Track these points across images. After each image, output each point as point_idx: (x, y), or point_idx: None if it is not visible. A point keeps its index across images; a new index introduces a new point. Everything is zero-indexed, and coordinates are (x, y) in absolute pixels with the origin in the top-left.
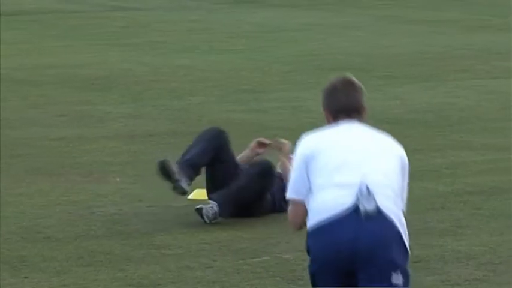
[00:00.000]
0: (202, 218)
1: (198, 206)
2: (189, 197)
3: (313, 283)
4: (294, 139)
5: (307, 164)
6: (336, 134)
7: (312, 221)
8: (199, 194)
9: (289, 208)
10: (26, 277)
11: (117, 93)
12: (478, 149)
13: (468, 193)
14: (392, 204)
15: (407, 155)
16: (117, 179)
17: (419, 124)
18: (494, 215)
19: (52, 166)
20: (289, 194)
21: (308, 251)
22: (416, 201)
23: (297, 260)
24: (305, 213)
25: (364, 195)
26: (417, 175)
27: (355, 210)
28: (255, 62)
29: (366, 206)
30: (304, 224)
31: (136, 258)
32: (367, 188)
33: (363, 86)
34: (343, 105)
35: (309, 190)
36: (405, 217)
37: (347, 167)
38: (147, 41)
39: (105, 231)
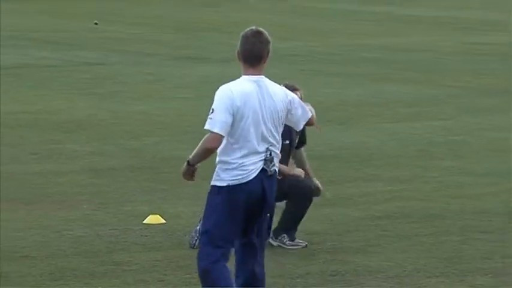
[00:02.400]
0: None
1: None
2: (144, 221)
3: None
4: None
5: (234, 113)
6: (254, 100)
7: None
8: (154, 219)
9: (212, 136)
10: None
11: (83, 135)
12: (385, 181)
13: (377, 218)
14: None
15: (326, 187)
16: (84, 207)
17: (336, 160)
18: (399, 235)
19: (28, 196)
20: (218, 130)
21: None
22: (335, 224)
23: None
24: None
25: (268, 160)
26: (334, 203)
27: (261, 170)
28: (199, 107)
29: (269, 168)
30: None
31: (100, 274)
32: (270, 154)
33: (269, 38)
34: (249, 54)
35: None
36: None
37: (261, 137)
38: (108, 90)
39: (73, 250)
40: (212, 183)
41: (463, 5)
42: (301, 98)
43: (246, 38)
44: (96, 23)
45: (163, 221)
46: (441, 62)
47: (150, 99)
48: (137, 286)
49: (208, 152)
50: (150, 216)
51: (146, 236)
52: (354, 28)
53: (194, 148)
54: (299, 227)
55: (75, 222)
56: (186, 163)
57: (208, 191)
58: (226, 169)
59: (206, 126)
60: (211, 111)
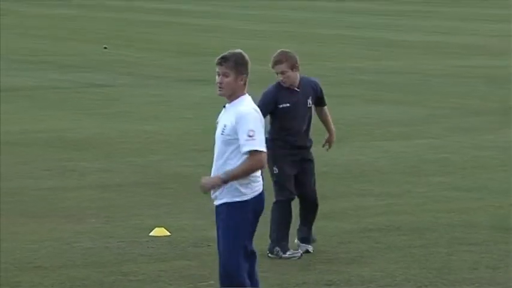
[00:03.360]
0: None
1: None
2: (150, 234)
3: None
4: None
5: None
6: None
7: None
8: (159, 231)
9: (263, 156)
10: None
11: (92, 152)
12: (376, 196)
13: (369, 230)
14: None
15: (320, 201)
16: (92, 220)
17: (330, 176)
18: (390, 247)
19: (41, 210)
20: (265, 148)
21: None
22: (329, 236)
23: None
24: None
25: None
26: (328, 216)
27: None
28: (203, 126)
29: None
30: None
31: (108, 284)
32: None
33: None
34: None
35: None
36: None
37: None
38: (116, 111)
39: (83, 261)
40: (231, 200)
41: (449, 30)
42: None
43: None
44: (105, 47)
45: (168, 234)
46: (429, 84)
47: (156, 119)
48: None
49: (258, 171)
50: (156, 229)
51: (152, 247)
52: (347, 52)
53: (197, 165)
54: (294, 238)
55: (85, 234)
56: (221, 180)
57: (224, 209)
58: (248, 184)
59: (253, 147)
60: (250, 133)
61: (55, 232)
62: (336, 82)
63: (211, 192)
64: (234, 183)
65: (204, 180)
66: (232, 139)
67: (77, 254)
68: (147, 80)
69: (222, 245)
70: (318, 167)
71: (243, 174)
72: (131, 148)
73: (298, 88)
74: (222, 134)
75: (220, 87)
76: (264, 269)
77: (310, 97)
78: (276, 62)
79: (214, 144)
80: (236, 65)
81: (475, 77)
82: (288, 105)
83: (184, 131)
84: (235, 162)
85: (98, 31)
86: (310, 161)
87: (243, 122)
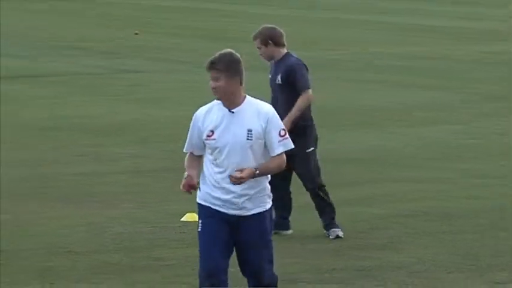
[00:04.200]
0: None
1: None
2: (182, 219)
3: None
4: None
5: None
6: None
7: None
8: (191, 216)
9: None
10: (52, 283)
11: (125, 138)
12: (405, 182)
13: (399, 216)
14: None
15: (349, 188)
16: (125, 206)
17: (359, 162)
18: (420, 233)
19: (74, 195)
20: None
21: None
22: (359, 222)
23: None
24: None
25: None
26: (359, 202)
27: None
28: None
29: None
30: None
31: (140, 268)
32: None
33: None
34: None
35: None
36: None
37: None
38: (148, 96)
39: (115, 246)
40: (264, 208)
41: (475, 16)
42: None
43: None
44: (136, 33)
45: None
46: (454, 70)
47: (186, 104)
48: (175, 280)
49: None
50: (188, 214)
51: (184, 232)
52: (372, 37)
53: None
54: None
55: (117, 220)
56: (256, 174)
57: (257, 219)
58: (269, 187)
59: (289, 146)
60: (282, 132)
61: (88, 217)
62: (361, 68)
63: (237, 199)
64: (267, 190)
65: (240, 174)
66: (262, 142)
67: (109, 239)
68: (177, 65)
69: (257, 255)
70: (345, 154)
71: (273, 170)
72: (163, 134)
73: (276, 63)
74: (248, 139)
75: (214, 92)
76: (294, 255)
77: (280, 74)
78: (252, 39)
79: (222, 152)
80: (226, 67)
81: (500, 62)
82: (269, 76)
83: None
84: None
85: (128, 17)
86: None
87: (274, 121)
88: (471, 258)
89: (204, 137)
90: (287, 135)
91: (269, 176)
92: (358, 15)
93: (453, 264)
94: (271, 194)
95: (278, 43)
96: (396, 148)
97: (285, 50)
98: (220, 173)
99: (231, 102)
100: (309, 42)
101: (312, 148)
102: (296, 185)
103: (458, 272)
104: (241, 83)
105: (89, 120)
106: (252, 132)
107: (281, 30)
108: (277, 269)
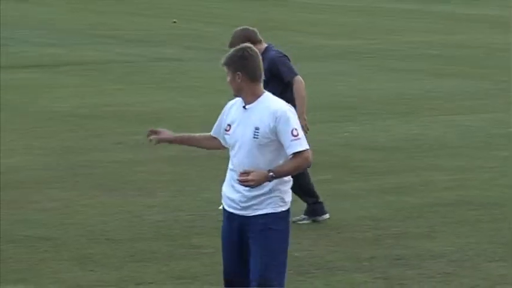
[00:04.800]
0: None
1: None
2: (220, 207)
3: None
4: None
5: None
6: None
7: None
8: None
9: (310, 153)
10: (91, 270)
11: (162, 126)
12: (445, 170)
13: (439, 205)
14: None
15: (389, 176)
16: (163, 193)
17: (399, 150)
18: (460, 222)
19: (111, 183)
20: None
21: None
22: (398, 211)
23: (305, 258)
24: None
25: None
26: (398, 191)
27: None
28: None
29: None
30: None
31: (178, 256)
32: None
33: None
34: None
35: None
36: None
37: None
38: (184, 85)
39: (153, 234)
40: (275, 210)
41: None
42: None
43: (256, 55)
44: (174, 21)
45: None
46: (495, 58)
47: (223, 92)
48: (213, 267)
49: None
50: None
51: (222, 220)
52: (414, 26)
53: None
54: (364, 213)
55: (155, 207)
56: (268, 177)
57: (266, 220)
58: (288, 191)
59: (301, 147)
60: (294, 132)
61: (126, 205)
62: (403, 56)
63: (247, 198)
64: (277, 192)
65: (252, 176)
66: (269, 141)
67: (147, 226)
68: (214, 54)
69: (260, 262)
70: (386, 142)
71: (289, 172)
72: (200, 121)
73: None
74: (255, 137)
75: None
76: (332, 243)
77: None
78: (229, 46)
79: (233, 148)
80: (231, 63)
81: None
82: None
83: None
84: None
85: (166, 6)
86: None
87: (284, 120)
88: None
89: (223, 130)
90: (299, 136)
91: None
92: (398, 4)
93: (495, 254)
94: (288, 198)
95: (255, 41)
96: (437, 137)
97: (264, 45)
98: (232, 170)
99: (247, 98)
100: (351, 31)
101: None
102: (328, 173)
103: (502, 261)
104: (251, 80)
105: (125, 108)
106: (259, 130)
107: (253, 28)
108: (315, 257)
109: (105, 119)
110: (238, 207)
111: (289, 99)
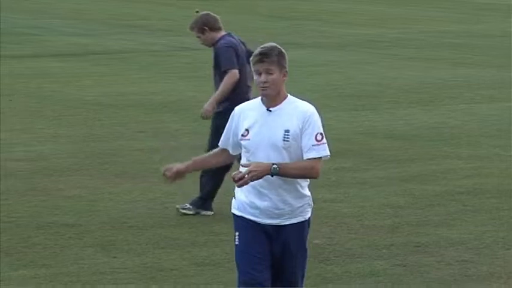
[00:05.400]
0: None
1: None
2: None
3: None
4: None
5: None
6: None
7: None
8: None
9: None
10: (114, 257)
11: (184, 115)
12: (465, 159)
13: (458, 193)
14: None
15: (409, 164)
16: (185, 181)
17: (419, 139)
18: (479, 210)
19: (134, 171)
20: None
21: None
22: (418, 198)
23: (325, 245)
24: None
25: None
26: (417, 179)
27: None
28: (291, 89)
29: None
30: None
31: (200, 243)
32: None
33: None
34: None
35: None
36: None
37: None
38: (206, 74)
39: (176, 221)
40: (305, 218)
41: None
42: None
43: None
44: (197, 11)
45: None
46: None
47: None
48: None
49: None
50: None
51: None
52: (435, 15)
53: None
54: (383, 201)
55: (177, 195)
56: (271, 172)
57: (297, 229)
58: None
59: (322, 154)
60: (318, 136)
61: (148, 192)
62: (424, 45)
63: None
64: (304, 199)
65: (253, 166)
66: (296, 145)
67: (170, 214)
68: None
69: (294, 266)
70: (407, 130)
71: (294, 174)
72: None
73: (214, 47)
74: (285, 140)
75: (265, 87)
76: (352, 231)
77: (213, 58)
78: (189, 29)
79: (256, 153)
80: (278, 59)
81: None
82: None
83: None
84: None
85: None
86: (213, 119)
87: (311, 123)
88: None
89: (239, 136)
90: (324, 141)
91: (306, 182)
92: None
93: None
94: (312, 203)
95: (214, 28)
96: (457, 125)
97: (221, 33)
98: None
99: (274, 99)
100: (372, 21)
101: None
102: (348, 161)
103: None
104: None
105: (149, 96)
106: (290, 133)
107: (214, 15)
108: (334, 245)
109: (129, 107)
110: (270, 215)
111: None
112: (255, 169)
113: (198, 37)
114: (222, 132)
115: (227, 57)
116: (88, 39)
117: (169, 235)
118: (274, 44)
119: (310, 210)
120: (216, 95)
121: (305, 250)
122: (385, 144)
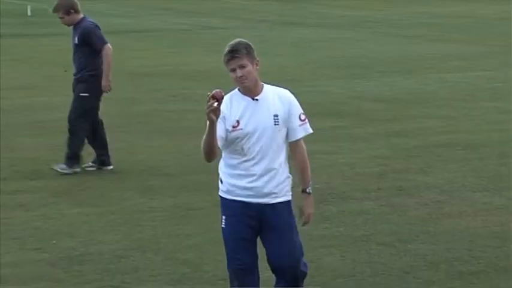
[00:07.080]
0: None
1: None
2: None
3: None
4: (321, 111)
5: None
6: None
7: None
8: None
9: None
10: (151, 198)
11: (209, 83)
12: (438, 118)
13: (433, 146)
14: None
15: (392, 123)
16: None
17: (401, 101)
18: (450, 159)
19: (167, 129)
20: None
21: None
22: (400, 150)
23: (323, 189)
24: None
25: None
26: (400, 134)
27: None
28: (296, 62)
29: None
30: None
31: None
32: None
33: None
34: None
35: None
36: None
37: None
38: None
39: (201, 170)
40: (290, 197)
41: None
42: None
43: None
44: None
45: None
46: (482, 26)
47: (261, 55)
48: None
49: None
50: None
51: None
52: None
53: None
54: (372, 152)
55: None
56: (309, 190)
57: (286, 207)
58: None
59: (309, 131)
60: (302, 116)
61: (179, 146)
62: (406, 25)
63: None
64: (289, 180)
65: (311, 209)
66: (284, 127)
67: (197, 163)
68: (253, 23)
69: (290, 240)
70: (391, 95)
71: (308, 167)
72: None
73: (75, 27)
74: (276, 124)
75: (244, 80)
76: (345, 177)
77: (77, 36)
78: (53, 11)
79: (250, 139)
80: (247, 52)
81: None
82: (71, 38)
83: (280, 64)
84: (283, 155)
85: None
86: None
87: (294, 105)
88: (496, 180)
89: (230, 128)
90: (306, 120)
91: (287, 165)
92: None
93: (479, 185)
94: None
95: (76, 10)
96: (432, 91)
97: (80, 16)
98: (249, 160)
99: (255, 89)
100: (366, 3)
101: (87, 94)
102: (344, 120)
103: (485, 191)
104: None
105: (180, 68)
106: (278, 117)
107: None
108: (331, 189)
109: (162, 76)
110: (258, 193)
111: (98, 64)
112: (311, 211)
113: (61, 18)
114: None
115: (99, 36)
116: (128, 20)
117: (199, 180)
118: (238, 40)
119: (291, 191)
120: (106, 70)
121: (297, 231)
122: (374, 106)
